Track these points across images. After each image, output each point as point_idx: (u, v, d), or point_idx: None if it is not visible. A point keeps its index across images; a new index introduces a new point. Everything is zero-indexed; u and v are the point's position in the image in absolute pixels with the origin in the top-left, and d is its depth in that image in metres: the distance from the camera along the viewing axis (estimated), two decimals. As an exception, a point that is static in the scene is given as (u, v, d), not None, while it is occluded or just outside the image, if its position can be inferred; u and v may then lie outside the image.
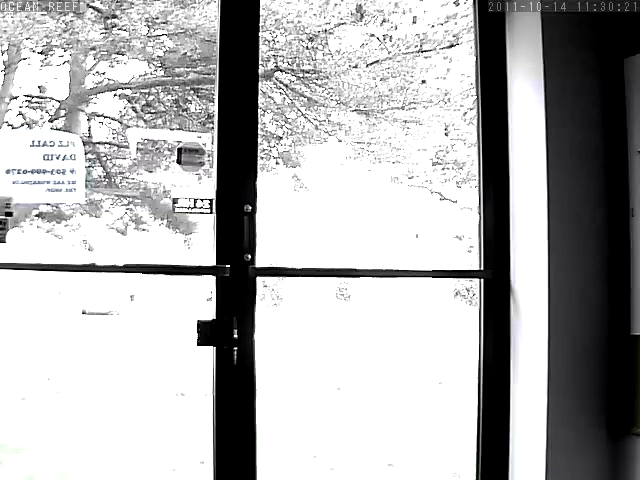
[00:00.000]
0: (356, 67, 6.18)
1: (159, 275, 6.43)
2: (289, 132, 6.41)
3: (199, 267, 2.80)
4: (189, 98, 6.01)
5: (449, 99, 6.44)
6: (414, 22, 6.20)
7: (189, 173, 2.73)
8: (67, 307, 7.46)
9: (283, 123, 6.39)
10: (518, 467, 2.87)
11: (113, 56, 5.74)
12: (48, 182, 2.81)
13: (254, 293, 2.62)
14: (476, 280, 3.01)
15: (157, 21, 5.61)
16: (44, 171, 2.81)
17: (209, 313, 2.59)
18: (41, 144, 2.85)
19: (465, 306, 7.97)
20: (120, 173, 6.18)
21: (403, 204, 7.03)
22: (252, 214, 2.62)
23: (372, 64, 6.25)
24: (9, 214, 2.55)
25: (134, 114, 6.01)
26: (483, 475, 2.91)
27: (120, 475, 5.30)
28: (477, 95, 3.01)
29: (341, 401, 6.98)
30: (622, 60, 2.89)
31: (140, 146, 5.65)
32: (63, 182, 2.82)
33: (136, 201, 6.37)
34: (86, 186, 2.91)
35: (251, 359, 2.60)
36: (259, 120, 2.74)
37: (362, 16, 6.10)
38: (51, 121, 5.84)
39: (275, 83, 6.17)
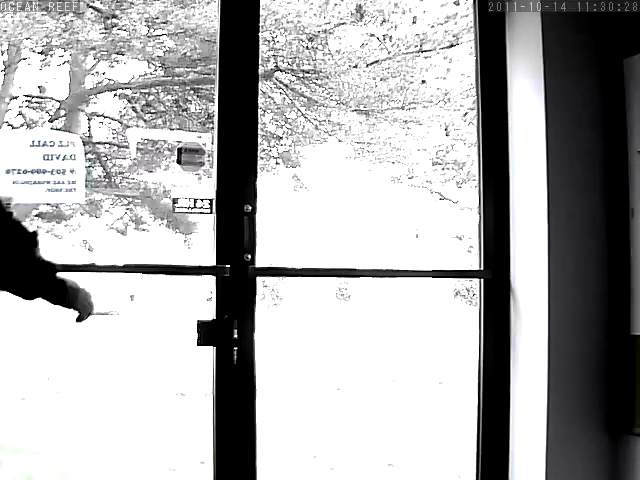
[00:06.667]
0: (356, 67, 6.19)
1: (159, 275, 6.42)
2: (289, 132, 6.42)
3: (199, 267, 2.80)
4: (189, 98, 6.01)
5: (449, 99, 6.44)
6: (414, 22, 6.20)
7: (189, 173, 2.73)
8: (67, 307, 7.44)
9: (283, 123, 6.39)
10: (518, 467, 2.86)
11: (113, 56, 5.74)
12: (48, 182, 2.81)
13: (254, 293, 2.61)
14: (476, 280, 3.01)
15: (157, 21, 5.62)
16: (44, 171, 2.81)
17: (209, 313, 2.59)
18: (41, 144, 2.85)
19: (465, 306, 7.97)
20: (120, 173, 6.19)
21: (403, 204, 7.03)
22: (252, 214, 2.62)
23: (372, 64, 6.26)
24: (9, 214, 2.54)
25: (134, 114, 6.02)
26: (483, 475, 2.90)
27: (120, 475, 5.30)
28: (477, 95, 3.00)
29: (341, 401, 6.97)
30: (622, 60, 2.88)
31: (140, 146, 5.66)
32: (63, 182, 2.82)
33: (136, 201, 6.37)
34: (86, 186, 2.91)
35: (251, 359, 2.60)
36: (259, 120, 2.74)
37: (362, 16, 6.10)
38: (51, 121, 5.84)
39: (275, 83, 6.18)
